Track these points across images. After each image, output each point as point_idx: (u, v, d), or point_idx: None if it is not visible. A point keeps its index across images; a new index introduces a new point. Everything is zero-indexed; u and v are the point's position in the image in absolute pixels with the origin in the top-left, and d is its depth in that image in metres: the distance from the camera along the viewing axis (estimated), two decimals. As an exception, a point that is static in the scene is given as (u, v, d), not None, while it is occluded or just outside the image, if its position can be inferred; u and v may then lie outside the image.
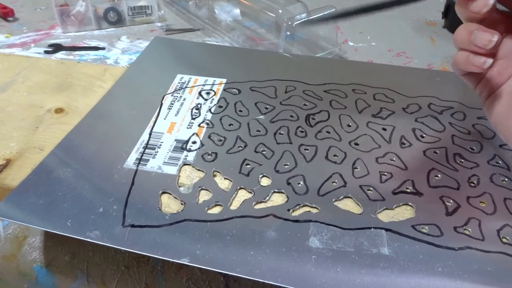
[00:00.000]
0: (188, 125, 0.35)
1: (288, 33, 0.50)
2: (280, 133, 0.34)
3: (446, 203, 0.28)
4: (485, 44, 0.26)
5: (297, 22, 0.49)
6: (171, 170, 0.30)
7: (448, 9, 0.58)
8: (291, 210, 0.27)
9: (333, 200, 0.28)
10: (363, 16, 0.26)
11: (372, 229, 0.26)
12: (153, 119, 0.35)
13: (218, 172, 0.30)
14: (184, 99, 0.38)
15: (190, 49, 0.48)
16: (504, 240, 0.26)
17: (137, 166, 0.30)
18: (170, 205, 0.28)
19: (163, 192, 0.29)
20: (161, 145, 0.33)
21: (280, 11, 0.53)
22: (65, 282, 0.27)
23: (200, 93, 0.39)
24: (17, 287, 0.27)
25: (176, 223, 0.26)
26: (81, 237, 0.25)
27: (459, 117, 0.36)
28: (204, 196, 0.29)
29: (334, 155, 0.32)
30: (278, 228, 0.26)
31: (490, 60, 0.26)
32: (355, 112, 0.37)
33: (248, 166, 0.31)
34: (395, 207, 0.28)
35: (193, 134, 0.34)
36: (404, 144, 0.33)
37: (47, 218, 0.26)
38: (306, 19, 0.26)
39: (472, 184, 0.29)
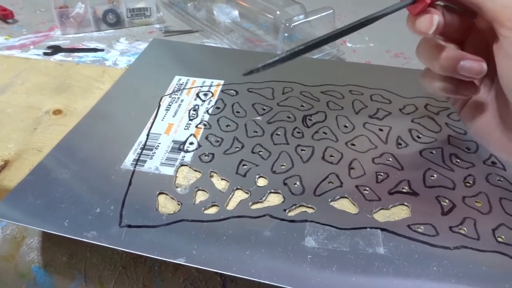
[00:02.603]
0: (186, 126, 0.35)
1: (286, 34, 0.50)
2: (277, 134, 0.34)
3: (442, 203, 0.28)
4: (476, 74, 0.25)
5: (294, 24, 0.49)
6: (168, 171, 0.30)
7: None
8: (287, 210, 0.27)
9: (329, 200, 0.28)
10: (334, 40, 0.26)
11: (368, 229, 0.26)
12: (151, 120, 0.35)
13: (215, 172, 0.30)
14: (182, 100, 0.38)
15: (188, 51, 0.48)
16: (499, 239, 0.26)
17: (135, 167, 0.31)
18: (167, 205, 0.28)
19: (160, 193, 0.29)
20: (158, 146, 0.33)
21: (278, 12, 0.53)
22: (63, 283, 0.27)
23: (197, 95, 0.39)
24: (15, 287, 0.27)
25: (173, 223, 0.26)
26: (79, 237, 0.25)
27: (455, 117, 0.36)
28: (201, 196, 0.29)
29: (331, 156, 0.32)
30: (274, 228, 0.26)
31: (484, 69, 0.25)
32: (352, 113, 0.37)
33: (245, 166, 0.31)
34: (391, 207, 0.28)
35: (190, 135, 0.34)
36: (400, 144, 0.33)
37: (45, 218, 0.26)
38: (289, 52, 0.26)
39: (468, 184, 0.30)
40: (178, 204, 0.28)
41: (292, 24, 0.49)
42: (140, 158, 0.31)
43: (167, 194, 0.29)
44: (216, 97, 0.39)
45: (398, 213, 0.28)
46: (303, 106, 0.37)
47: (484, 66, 0.25)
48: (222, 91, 0.39)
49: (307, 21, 0.50)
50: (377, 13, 0.25)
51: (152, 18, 0.62)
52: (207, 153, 0.32)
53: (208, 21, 0.60)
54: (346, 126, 0.35)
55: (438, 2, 0.26)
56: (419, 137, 0.34)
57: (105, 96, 0.38)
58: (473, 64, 0.25)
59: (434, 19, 0.25)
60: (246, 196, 0.29)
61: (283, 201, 0.28)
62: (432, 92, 0.30)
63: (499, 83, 0.25)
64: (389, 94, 0.39)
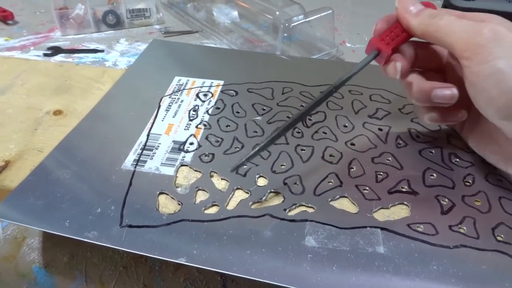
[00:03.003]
0: (186, 126, 0.35)
1: (286, 34, 0.50)
2: (277, 134, 0.34)
3: (441, 202, 0.28)
4: (449, 99, 0.28)
5: (294, 24, 0.49)
6: (169, 171, 0.31)
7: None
8: (287, 210, 0.28)
9: (329, 199, 0.28)
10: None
11: (368, 228, 0.26)
12: (151, 120, 0.36)
13: (215, 172, 0.31)
14: (182, 101, 0.38)
15: (188, 51, 0.48)
16: (498, 238, 0.26)
17: (135, 167, 0.31)
18: (167, 205, 0.28)
19: (161, 193, 0.29)
20: (158, 146, 0.33)
21: (277, 13, 0.53)
22: (64, 283, 0.27)
23: (197, 95, 0.39)
24: None
25: (173, 223, 0.26)
26: (79, 237, 0.25)
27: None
28: (201, 196, 0.29)
29: (330, 155, 0.32)
30: (275, 227, 0.26)
31: (455, 93, 0.28)
32: (351, 113, 0.37)
33: (244, 166, 0.31)
34: (391, 206, 0.28)
35: (190, 135, 0.34)
36: (400, 144, 0.33)
37: (46, 219, 0.26)
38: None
39: (467, 183, 0.30)
40: (179, 204, 0.28)
41: (292, 25, 0.49)
42: (141, 159, 0.31)
43: (167, 194, 0.29)
44: (216, 97, 0.39)
45: (398, 212, 0.28)
46: (302, 106, 0.38)
47: (454, 91, 0.27)
48: (222, 91, 0.40)
49: (307, 21, 0.50)
50: (347, 75, 0.30)
51: (152, 19, 0.62)
52: (207, 153, 0.32)
53: (207, 22, 0.60)
54: (345, 126, 0.35)
55: (412, 39, 0.30)
56: (418, 137, 0.34)
57: (105, 97, 0.39)
58: (444, 91, 0.28)
59: (397, 67, 0.29)
60: (246, 196, 0.29)
61: (283, 201, 0.28)
62: (426, 123, 0.34)
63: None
64: (388, 94, 0.39)
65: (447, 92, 0.27)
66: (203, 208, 0.28)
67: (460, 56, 0.26)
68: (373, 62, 0.30)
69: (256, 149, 0.28)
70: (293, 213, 0.27)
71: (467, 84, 0.26)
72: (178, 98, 0.39)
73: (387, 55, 0.29)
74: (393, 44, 0.29)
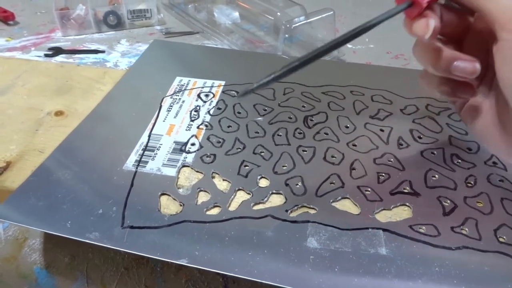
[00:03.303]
0: (187, 127, 0.35)
1: (287, 35, 0.50)
2: (278, 135, 0.34)
3: (443, 203, 0.28)
4: (469, 74, 0.25)
5: (295, 25, 0.49)
6: (170, 171, 0.30)
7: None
8: (289, 211, 0.27)
9: (331, 201, 0.28)
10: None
11: (370, 229, 0.26)
12: (152, 121, 0.36)
13: (217, 173, 0.30)
14: (183, 101, 0.38)
15: (189, 52, 0.48)
16: (501, 239, 0.26)
17: (136, 168, 0.31)
18: (169, 206, 0.28)
19: (162, 194, 0.29)
20: (160, 147, 0.33)
21: (278, 14, 0.53)
22: (65, 284, 0.27)
23: (199, 95, 0.39)
24: (17, 288, 0.27)
25: (175, 224, 0.26)
26: (81, 238, 0.25)
27: (456, 118, 0.36)
28: (202, 197, 0.29)
29: (332, 156, 0.32)
30: (276, 228, 0.26)
31: (478, 69, 0.25)
32: (353, 114, 0.37)
33: (246, 167, 0.31)
34: (393, 208, 0.28)
35: (192, 136, 0.34)
36: (401, 145, 0.33)
37: (47, 219, 0.26)
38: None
39: (469, 184, 0.30)
40: (180, 205, 0.28)
41: (293, 26, 0.49)
42: (142, 159, 0.31)
43: (169, 195, 0.29)
44: (217, 98, 0.39)
45: (400, 213, 0.28)
46: (304, 106, 0.37)
47: (477, 66, 0.25)
48: (223, 91, 0.40)
49: (308, 22, 0.50)
50: (374, 20, 0.25)
51: (153, 19, 0.62)
52: (208, 154, 0.32)
53: (208, 23, 0.60)
54: (347, 127, 0.35)
55: (438, 1, 0.26)
56: (420, 138, 0.34)
57: (106, 98, 0.39)
58: (466, 65, 0.25)
59: (430, 24, 0.25)
60: (248, 197, 0.29)
61: (285, 202, 0.28)
62: (431, 93, 0.30)
63: (499, 84, 0.25)
64: (390, 94, 0.39)
65: (469, 65, 0.25)
66: (205, 209, 0.28)
67: (502, 27, 0.23)
68: (397, 20, 0.26)
69: (271, 76, 0.23)
70: (295, 214, 0.27)
71: (498, 59, 0.24)
72: (180, 99, 0.39)
73: (421, 8, 0.25)
74: None
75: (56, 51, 0.53)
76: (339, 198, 0.28)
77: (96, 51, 0.54)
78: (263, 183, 0.30)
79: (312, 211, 0.28)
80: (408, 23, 0.26)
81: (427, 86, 0.29)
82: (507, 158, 0.28)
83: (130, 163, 0.31)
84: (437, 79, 0.28)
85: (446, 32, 0.28)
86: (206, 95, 0.39)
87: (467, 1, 0.25)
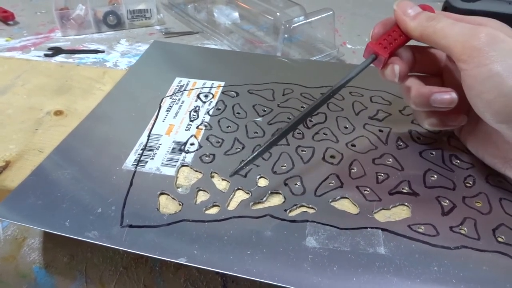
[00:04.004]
0: (187, 127, 0.35)
1: (286, 35, 0.50)
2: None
3: (442, 203, 0.28)
4: (448, 104, 0.28)
5: (294, 25, 0.49)
6: (169, 171, 0.31)
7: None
8: (288, 211, 0.28)
9: (330, 200, 0.28)
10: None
11: (369, 229, 0.26)
12: (152, 121, 0.36)
13: (216, 173, 0.31)
14: (183, 101, 0.38)
15: (189, 52, 0.48)
16: (499, 239, 0.26)
17: (136, 167, 0.31)
18: (168, 205, 0.28)
19: (161, 193, 0.29)
20: (159, 146, 0.33)
21: (278, 14, 0.53)
22: (64, 283, 0.27)
23: (198, 96, 0.39)
24: (16, 288, 0.27)
25: (174, 224, 0.26)
26: (80, 237, 0.25)
27: (455, 118, 0.36)
28: (202, 197, 0.29)
29: (331, 156, 0.32)
30: (275, 228, 0.26)
31: (454, 98, 0.28)
32: (352, 114, 0.37)
33: (244, 168, 0.31)
34: (392, 207, 0.28)
35: (191, 136, 0.34)
36: (400, 145, 0.33)
37: (46, 219, 0.26)
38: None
39: (468, 185, 0.30)
40: (179, 204, 0.28)
41: (292, 26, 0.49)
42: (141, 159, 0.31)
43: (168, 195, 0.29)
44: (216, 98, 0.39)
45: (399, 213, 0.28)
46: (303, 107, 0.38)
47: (453, 95, 0.27)
48: (222, 92, 0.40)
49: (307, 22, 0.50)
50: (347, 77, 0.30)
51: (153, 19, 0.62)
52: (208, 153, 0.32)
53: (208, 23, 0.60)
54: (346, 127, 0.35)
55: (410, 43, 0.30)
56: (419, 138, 0.34)
57: (106, 97, 0.39)
58: (443, 96, 0.28)
59: (395, 70, 0.29)
60: (247, 196, 0.29)
61: (284, 202, 0.28)
62: (426, 128, 0.33)
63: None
64: (389, 95, 0.39)
65: (446, 96, 0.27)
66: (204, 209, 0.28)
67: (458, 59, 0.26)
68: (373, 65, 0.31)
69: (256, 152, 0.28)
70: (293, 213, 0.27)
71: (465, 87, 0.26)
72: (179, 99, 0.39)
73: (385, 58, 0.29)
74: (391, 48, 0.29)
75: (56, 51, 0.53)
76: (338, 197, 0.29)
77: (95, 51, 0.54)
78: (262, 182, 0.30)
79: (311, 211, 0.28)
80: (380, 71, 0.31)
81: (420, 122, 0.32)
82: (503, 172, 0.29)
83: (129, 162, 0.31)
84: (424, 113, 0.31)
85: (424, 68, 0.32)
86: (206, 96, 0.39)
87: (429, 42, 0.28)
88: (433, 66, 0.32)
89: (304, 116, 0.29)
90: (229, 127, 0.35)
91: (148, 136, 0.34)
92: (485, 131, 0.29)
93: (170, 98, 0.39)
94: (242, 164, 0.28)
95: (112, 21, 0.60)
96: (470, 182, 0.30)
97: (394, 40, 0.29)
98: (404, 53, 0.30)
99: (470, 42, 0.25)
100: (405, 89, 0.30)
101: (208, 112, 0.37)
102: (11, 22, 0.61)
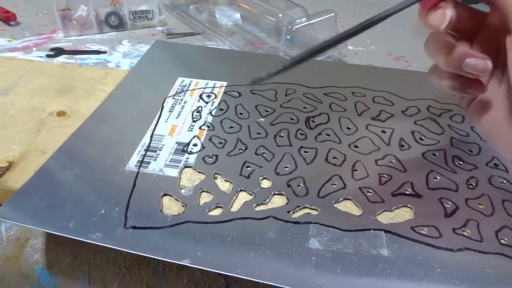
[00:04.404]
0: (189, 127, 0.35)
1: (288, 37, 0.50)
2: (280, 136, 0.34)
3: (445, 204, 0.28)
4: (481, 71, 0.25)
5: (297, 26, 0.49)
6: (172, 172, 0.31)
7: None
8: (291, 212, 0.28)
9: (333, 202, 0.28)
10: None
11: (372, 230, 0.26)
12: (154, 122, 0.36)
13: (219, 174, 0.31)
14: (185, 102, 0.38)
15: (191, 52, 0.48)
16: (502, 241, 0.26)
17: (139, 168, 0.31)
18: (171, 207, 0.28)
19: (164, 194, 0.29)
20: (162, 147, 0.33)
21: (280, 15, 0.53)
22: (67, 284, 0.27)
23: (201, 96, 0.39)
24: (19, 288, 0.27)
25: (177, 225, 0.26)
26: (83, 238, 0.25)
27: (457, 119, 0.36)
28: (205, 198, 0.29)
29: (334, 158, 0.32)
30: (278, 229, 0.26)
31: (489, 67, 0.25)
32: (354, 115, 0.37)
33: (248, 168, 0.31)
34: (394, 209, 0.28)
35: (194, 137, 0.34)
36: (403, 146, 0.33)
37: (49, 220, 0.26)
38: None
39: (471, 186, 0.30)
40: (183, 206, 0.28)
41: (294, 27, 0.49)
42: (144, 160, 0.31)
43: (171, 196, 0.29)
44: (219, 98, 0.39)
45: (402, 215, 0.28)
46: (306, 108, 0.38)
47: (488, 64, 0.25)
48: (225, 92, 0.40)
49: (309, 23, 0.50)
50: (387, 11, 0.25)
51: (155, 20, 0.62)
52: (210, 154, 0.32)
53: (210, 24, 0.60)
54: (349, 128, 0.35)
55: None
56: (421, 139, 0.34)
57: (108, 98, 0.39)
58: (478, 62, 0.25)
59: (446, 14, 0.25)
60: (250, 197, 0.29)
61: (287, 203, 0.28)
62: (439, 89, 0.29)
63: (509, 80, 0.25)
64: (391, 96, 0.39)
65: (481, 63, 0.25)
66: (207, 210, 0.28)
67: None
68: (410, 11, 0.26)
69: (281, 67, 0.25)
70: (297, 215, 0.27)
71: (511, 51, 0.24)
72: (181, 99, 0.39)
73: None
74: None
75: (58, 51, 0.53)
76: (341, 199, 0.29)
77: (98, 52, 0.54)
78: (265, 184, 0.30)
79: (314, 212, 0.28)
80: (423, 14, 0.26)
81: (437, 81, 0.29)
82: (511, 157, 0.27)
83: (132, 163, 0.31)
84: (447, 74, 0.28)
85: (458, 28, 0.28)
86: (208, 96, 0.39)
87: None
88: (468, 28, 0.28)
89: (338, 40, 0.26)
90: (232, 128, 0.35)
91: (151, 136, 0.34)
92: (502, 110, 0.27)
93: (173, 98, 0.39)
94: (270, 73, 0.25)
95: (114, 22, 0.60)
96: (473, 184, 0.30)
97: None
98: (451, 1, 0.26)
99: None
100: (438, 44, 0.27)
101: (210, 113, 0.37)
102: (13, 23, 0.61)
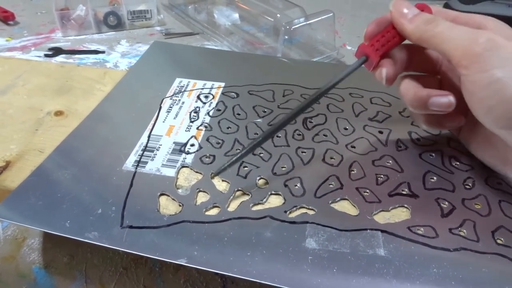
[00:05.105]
0: (187, 128, 0.35)
1: (286, 37, 0.50)
2: (277, 136, 0.34)
3: (442, 205, 0.28)
4: (446, 107, 0.27)
5: (295, 27, 0.49)
6: (170, 172, 0.31)
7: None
8: (288, 212, 0.28)
9: (330, 202, 0.28)
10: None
11: (368, 230, 0.26)
12: (152, 122, 0.36)
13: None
14: (183, 102, 0.38)
15: (189, 53, 0.48)
16: (498, 241, 0.26)
17: (136, 168, 0.31)
18: (168, 206, 0.28)
19: (162, 194, 0.29)
20: (159, 147, 0.33)
21: (278, 15, 0.53)
22: (64, 284, 0.27)
23: (198, 97, 0.39)
24: (16, 288, 0.27)
25: (174, 224, 0.26)
26: (80, 238, 0.25)
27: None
28: (202, 198, 0.29)
29: (331, 158, 0.32)
30: (275, 229, 0.26)
31: (452, 102, 0.27)
32: (352, 116, 0.37)
33: (245, 168, 0.31)
34: (391, 209, 0.28)
35: (191, 137, 0.34)
36: (400, 147, 0.33)
37: (46, 219, 0.26)
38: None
39: (467, 187, 0.30)
40: (179, 205, 0.28)
41: (293, 27, 0.49)
42: (141, 160, 0.31)
43: (168, 195, 0.29)
44: (217, 99, 0.39)
45: (398, 215, 0.28)
46: (303, 108, 0.38)
47: (451, 99, 0.27)
48: (223, 93, 0.40)
49: (308, 24, 0.50)
50: (337, 77, 0.30)
51: (153, 20, 0.62)
52: (208, 154, 0.32)
53: (208, 24, 0.60)
54: (346, 129, 0.35)
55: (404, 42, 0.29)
56: (418, 140, 0.34)
57: (106, 98, 0.39)
58: (441, 99, 0.27)
59: (382, 73, 0.29)
60: (247, 197, 0.29)
61: (283, 203, 0.28)
62: (420, 127, 0.33)
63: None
64: (389, 97, 0.39)
65: (444, 100, 0.27)
66: (204, 210, 0.28)
67: (457, 64, 0.25)
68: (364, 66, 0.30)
69: (239, 154, 0.29)
70: (293, 215, 0.28)
71: (464, 92, 0.26)
72: (179, 100, 0.39)
73: (375, 61, 0.29)
74: (383, 50, 0.29)
75: (56, 51, 0.54)
76: (338, 199, 0.29)
77: (96, 52, 0.54)
78: (262, 184, 0.30)
79: (311, 212, 0.28)
80: (371, 71, 0.30)
81: (416, 120, 0.32)
82: (504, 173, 0.30)
83: (129, 163, 0.31)
84: (422, 115, 0.31)
85: (421, 68, 0.31)
86: (206, 97, 0.39)
87: (428, 46, 0.28)
88: (430, 67, 0.31)
89: (291, 117, 0.29)
90: (229, 128, 0.35)
91: (149, 136, 0.34)
92: (485, 133, 0.29)
93: (171, 99, 0.39)
94: (225, 165, 0.29)
95: (113, 22, 0.60)
96: (470, 184, 0.30)
97: (387, 41, 0.29)
98: (399, 53, 0.30)
99: (470, 47, 0.24)
100: (402, 91, 0.30)
101: (208, 113, 0.37)
102: (11, 22, 0.61)
